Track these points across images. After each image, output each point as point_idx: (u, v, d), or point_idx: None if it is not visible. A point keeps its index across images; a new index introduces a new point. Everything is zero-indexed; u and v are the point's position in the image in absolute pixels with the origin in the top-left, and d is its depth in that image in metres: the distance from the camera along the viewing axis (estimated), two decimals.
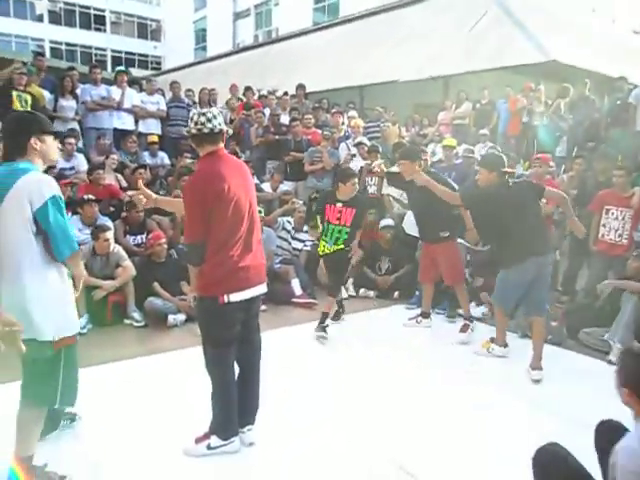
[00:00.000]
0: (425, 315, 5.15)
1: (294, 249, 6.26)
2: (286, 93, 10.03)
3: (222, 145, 2.75)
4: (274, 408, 3.18)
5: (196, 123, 2.67)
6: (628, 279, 4.61)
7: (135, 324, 4.90)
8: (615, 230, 5.10)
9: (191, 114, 2.76)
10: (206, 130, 2.66)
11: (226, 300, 2.67)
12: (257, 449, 2.89)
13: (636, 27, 8.27)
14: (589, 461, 2.13)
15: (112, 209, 6.09)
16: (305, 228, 6.29)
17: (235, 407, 2.82)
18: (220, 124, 2.70)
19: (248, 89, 9.95)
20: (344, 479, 2.69)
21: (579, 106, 7.75)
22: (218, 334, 2.77)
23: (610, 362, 4.34)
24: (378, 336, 4.80)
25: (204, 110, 2.72)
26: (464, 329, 4.82)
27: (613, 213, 5.12)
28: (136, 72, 22.81)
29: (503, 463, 2.82)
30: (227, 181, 2.61)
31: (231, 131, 7.50)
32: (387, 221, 6.26)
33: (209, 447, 2.80)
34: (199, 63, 23.27)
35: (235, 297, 2.69)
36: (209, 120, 2.66)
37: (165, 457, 2.79)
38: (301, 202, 6.56)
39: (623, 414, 2.96)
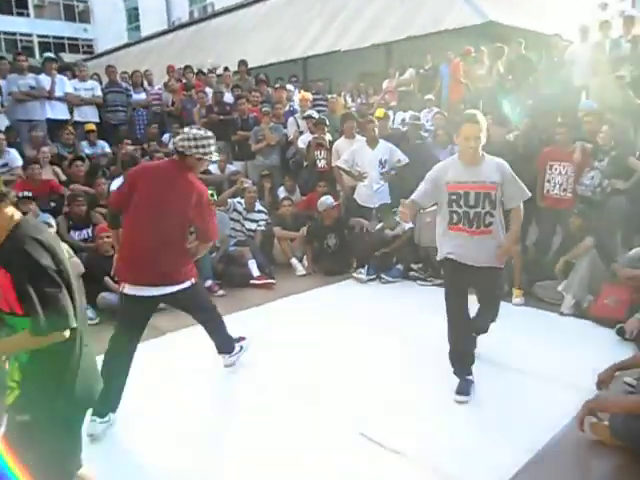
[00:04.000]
0: None
1: (248, 230, 6.13)
2: (227, 69, 9.74)
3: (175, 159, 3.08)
4: (247, 386, 3.14)
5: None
6: (572, 235, 4.78)
7: (88, 322, 4.73)
8: (560, 185, 5.23)
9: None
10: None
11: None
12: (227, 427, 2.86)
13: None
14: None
15: (53, 205, 5.80)
16: (257, 207, 6.19)
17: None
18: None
19: (187, 68, 9.62)
20: (312, 447, 2.71)
21: (517, 65, 7.83)
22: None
23: (562, 314, 4.50)
24: (338, 311, 4.79)
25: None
26: None
27: (556, 169, 5.24)
28: (68, 57, 21.64)
29: (467, 423, 2.90)
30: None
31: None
32: (327, 200, 6.00)
33: None
34: (133, 44, 22.33)
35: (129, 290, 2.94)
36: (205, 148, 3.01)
37: None
38: (250, 182, 6.43)
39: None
